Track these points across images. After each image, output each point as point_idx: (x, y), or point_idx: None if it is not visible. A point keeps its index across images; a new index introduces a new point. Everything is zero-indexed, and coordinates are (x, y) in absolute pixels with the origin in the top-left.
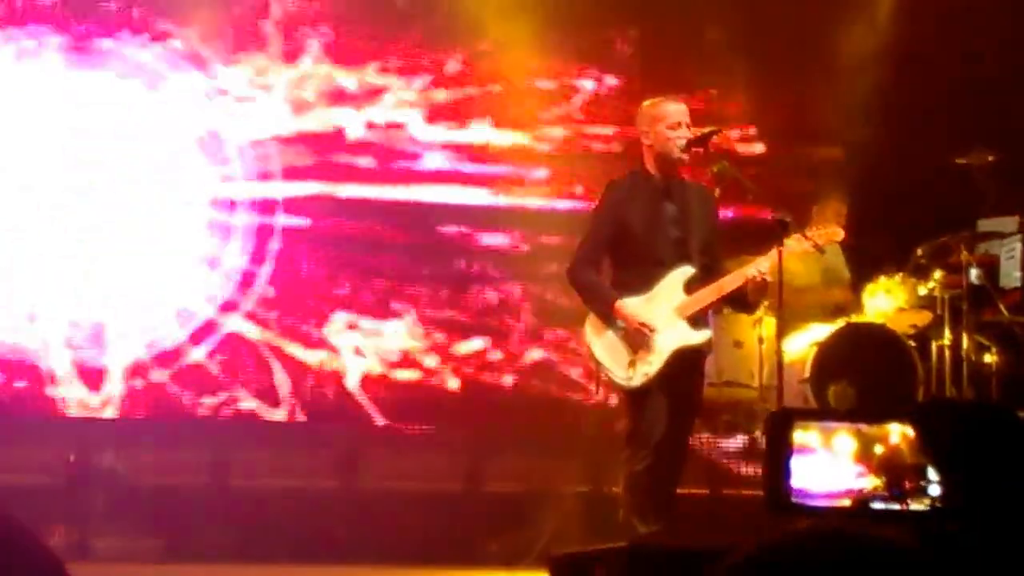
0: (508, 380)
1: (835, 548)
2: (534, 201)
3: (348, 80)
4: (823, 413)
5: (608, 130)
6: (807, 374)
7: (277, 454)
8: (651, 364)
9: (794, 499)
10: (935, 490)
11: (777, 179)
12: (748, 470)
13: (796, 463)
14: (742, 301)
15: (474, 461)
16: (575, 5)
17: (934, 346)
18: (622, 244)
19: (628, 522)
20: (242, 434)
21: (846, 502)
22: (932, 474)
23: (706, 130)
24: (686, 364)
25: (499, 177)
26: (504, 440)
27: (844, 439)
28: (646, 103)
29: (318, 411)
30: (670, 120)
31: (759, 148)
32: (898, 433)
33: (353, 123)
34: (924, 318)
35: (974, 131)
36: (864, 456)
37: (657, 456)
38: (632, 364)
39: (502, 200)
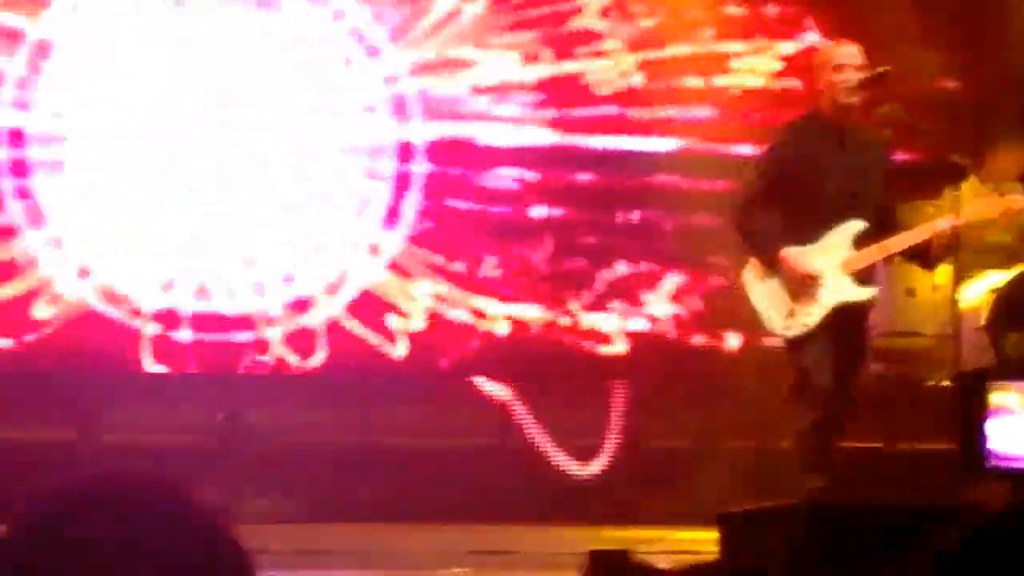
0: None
1: None
2: None
3: None
4: (1016, 371)
5: None
6: (984, 322)
7: (429, 411)
8: (811, 315)
9: (991, 461)
10: None
11: (951, 120)
12: (924, 424)
13: (993, 424)
14: (921, 256)
15: (635, 418)
16: None
17: None
18: (789, 191)
19: (799, 478)
20: (391, 390)
21: None
22: None
23: (877, 70)
24: (849, 318)
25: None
26: (666, 395)
27: None
28: (819, 49)
29: (468, 367)
30: (835, 62)
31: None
32: None
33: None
34: None
35: None
36: None
37: (825, 407)
38: (792, 314)
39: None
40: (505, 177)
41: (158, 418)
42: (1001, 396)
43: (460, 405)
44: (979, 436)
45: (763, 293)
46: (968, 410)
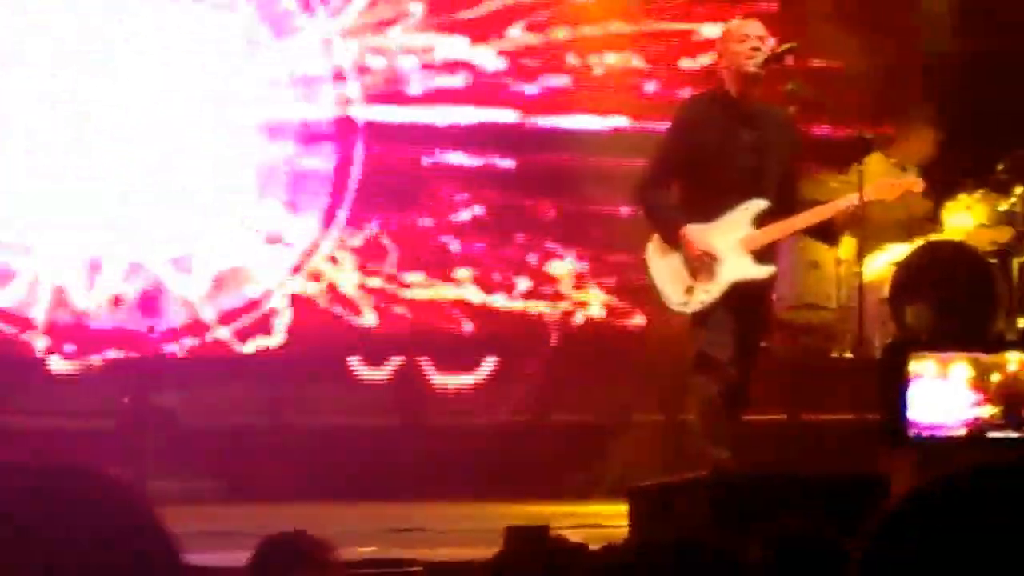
0: (581, 311)
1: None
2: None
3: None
4: (939, 343)
5: None
6: (886, 294)
7: (337, 391)
8: (709, 292)
9: (911, 430)
10: None
11: (857, 96)
12: (828, 395)
13: (912, 394)
14: (824, 232)
15: (545, 393)
16: None
17: (1015, 263)
18: (693, 168)
19: (702, 450)
20: (304, 371)
21: (962, 431)
22: None
23: (783, 47)
24: (750, 293)
25: None
26: (575, 371)
27: (960, 368)
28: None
29: (380, 346)
30: (740, 34)
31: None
32: (1016, 361)
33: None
34: (1005, 234)
35: None
36: (981, 384)
37: (727, 381)
38: (690, 291)
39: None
40: (426, 156)
41: (64, 402)
42: (918, 365)
43: (372, 384)
44: (900, 406)
45: (663, 269)
46: (890, 380)
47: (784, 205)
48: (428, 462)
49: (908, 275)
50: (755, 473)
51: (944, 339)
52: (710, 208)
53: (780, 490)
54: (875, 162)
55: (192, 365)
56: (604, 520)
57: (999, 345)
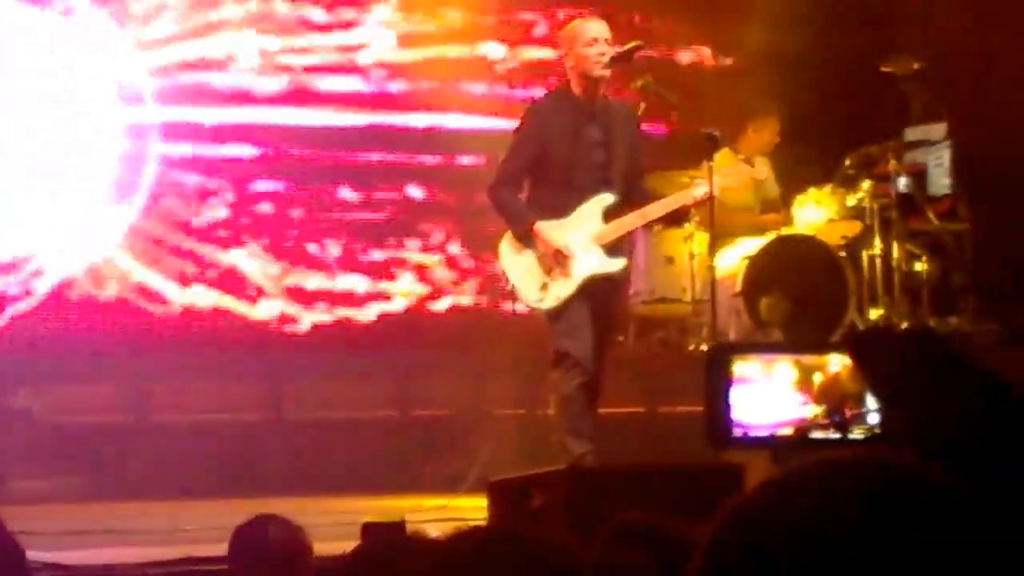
0: (439, 304)
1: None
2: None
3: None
4: (762, 345)
5: None
6: (739, 288)
7: (202, 387)
8: (563, 288)
9: (735, 431)
10: (874, 418)
11: (711, 93)
12: (684, 387)
13: (736, 394)
14: (679, 222)
15: (406, 387)
16: None
17: (865, 256)
18: (542, 166)
19: (562, 444)
20: (166, 367)
21: (789, 431)
22: (871, 402)
23: (629, 45)
24: (603, 285)
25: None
26: (436, 364)
27: (784, 369)
28: (568, 26)
29: (242, 342)
30: (587, 37)
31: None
32: (837, 362)
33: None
34: (854, 228)
35: (899, 38)
36: (804, 385)
37: (585, 375)
38: (545, 287)
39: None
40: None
41: None
42: (743, 366)
43: (229, 380)
44: (723, 407)
45: (517, 266)
46: (714, 381)
47: (633, 198)
48: (288, 457)
49: (761, 269)
50: (612, 466)
51: (797, 331)
52: (561, 205)
53: (637, 483)
54: (723, 157)
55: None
56: (465, 514)
57: (821, 346)
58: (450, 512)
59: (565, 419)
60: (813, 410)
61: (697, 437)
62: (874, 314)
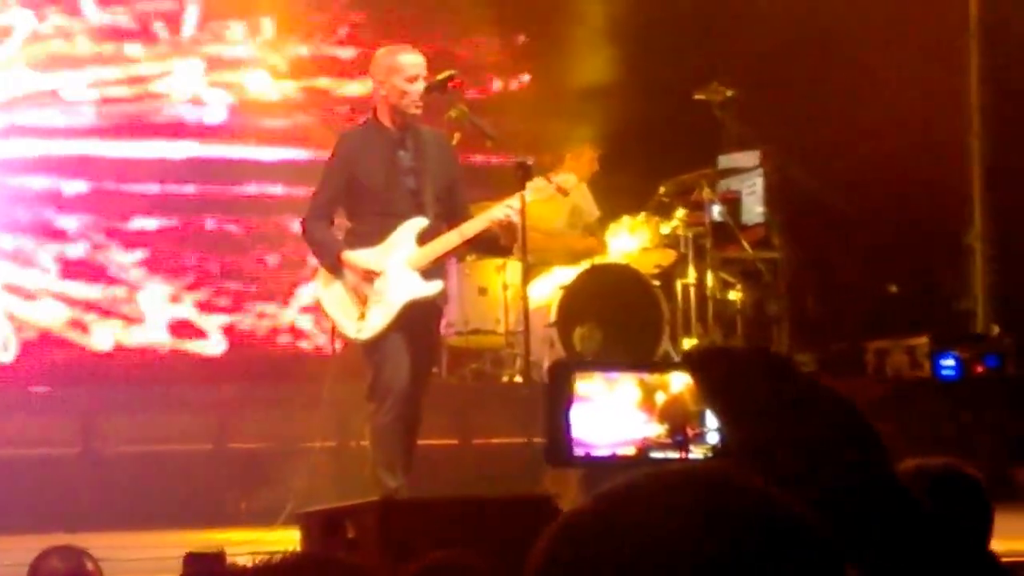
0: (253, 337)
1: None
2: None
3: None
4: (605, 363)
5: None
6: (553, 318)
7: (11, 421)
8: (381, 317)
9: (576, 450)
10: (714, 437)
11: (528, 122)
12: (498, 419)
13: (578, 413)
14: (493, 245)
15: (220, 420)
16: None
17: (679, 284)
18: (355, 196)
19: (376, 476)
20: None
21: (631, 451)
22: (711, 421)
23: (442, 75)
24: (420, 315)
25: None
26: (249, 397)
27: (627, 387)
28: (381, 51)
29: (52, 375)
30: (407, 73)
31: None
32: (681, 381)
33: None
34: (668, 257)
35: (712, 66)
36: (648, 404)
37: (402, 407)
38: (362, 316)
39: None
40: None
41: None
42: (585, 384)
43: (42, 414)
44: (564, 425)
45: (333, 299)
46: (554, 399)
47: (448, 222)
48: (106, 491)
49: (574, 299)
50: (426, 499)
51: (622, 362)
52: (378, 233)
53: (450, 515)
54: (535, 186)
55: None
56: (281, 547)
57: (664, 365)
58: (266, 545)
59: (380, 451)
60: (656, 429)
61: (511, 469)
62: (688, 343)
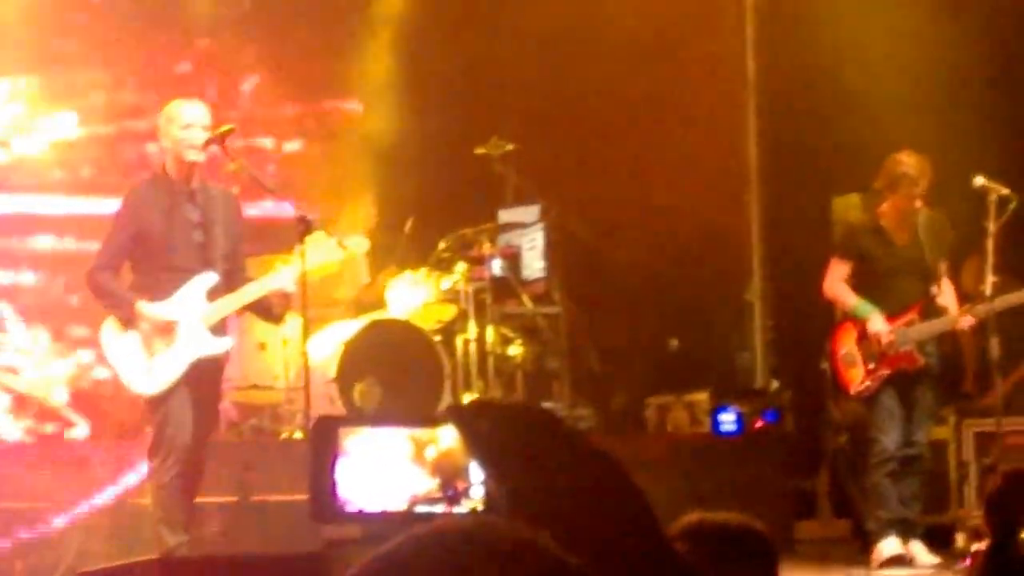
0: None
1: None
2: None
3: None
4: (374, 418)
5: None
6: (333, 374)
7: None
8: (171, 372)
9: (342, 506)
10: (480, 491)
11: (308, 175)
12: (278, 476)
13: (345, 469)
14: (267, 314)
15: None
16: None
17: (460, 340)
18: (141, 248)
19: (157, 533)
20: None
21: (401, 506)
22: (477, 474)
23: (222, 128)
24: (206, 371)
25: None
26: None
27: (399, 442)
28: (166, 107)
29: None
30: (183, 121)
31: (295, 146)
32: (450, 435)
33: None
34: (449, 312)
35: (492, 121)
36: (419, 458)
37: (184, 464)
38: (151, 371)
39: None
40: None
41: None
42: (353, 440)
43: None
44: (329, 482)
45: (121, 351)
46: (319, 456)
47: (234, 280)
48: None
49: (355, 354)
50: (206, 556)
51: (390, 416)
52: (164, 286)
53: (230, 573)
54: (315, 240)
55: None
56: None
57: (433, 420)
58: None
59: (160, 508)
60: (429, 483)
61: (292, 525)
62: (468, 399)
